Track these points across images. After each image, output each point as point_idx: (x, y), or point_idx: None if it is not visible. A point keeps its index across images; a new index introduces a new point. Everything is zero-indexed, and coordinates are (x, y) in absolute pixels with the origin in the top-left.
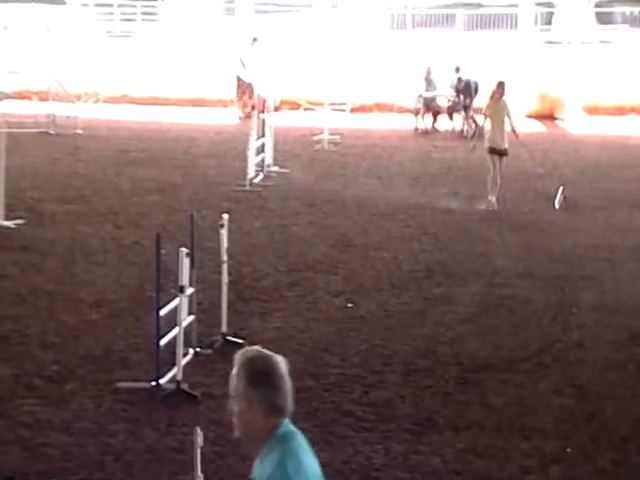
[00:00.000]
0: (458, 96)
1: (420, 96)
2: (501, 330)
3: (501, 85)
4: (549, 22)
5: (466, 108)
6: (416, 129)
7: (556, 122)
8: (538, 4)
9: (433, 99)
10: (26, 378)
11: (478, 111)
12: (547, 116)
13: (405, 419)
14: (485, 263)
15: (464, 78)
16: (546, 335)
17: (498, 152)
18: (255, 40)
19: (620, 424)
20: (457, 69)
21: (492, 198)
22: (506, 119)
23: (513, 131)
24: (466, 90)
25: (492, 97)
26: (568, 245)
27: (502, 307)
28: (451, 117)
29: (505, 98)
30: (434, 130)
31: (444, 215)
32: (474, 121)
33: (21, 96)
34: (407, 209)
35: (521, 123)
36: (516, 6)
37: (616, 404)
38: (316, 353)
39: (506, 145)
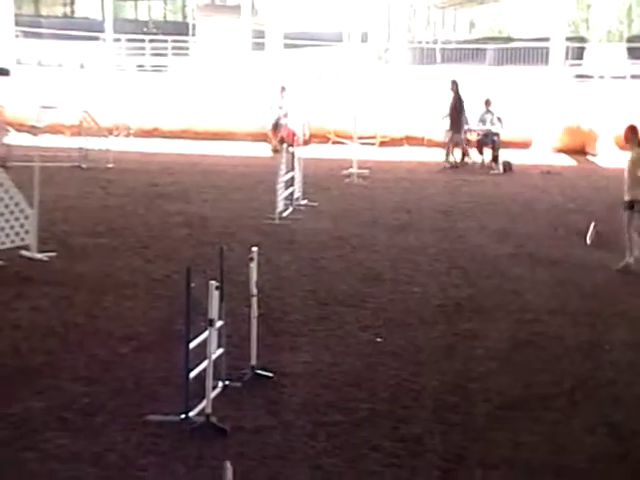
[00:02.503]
0: (452, 114)
1: (450, 130)
2: (532, 367)
3: (634, 130)
4: (580, 57)
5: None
6: (445, 162)
7: (587, 157)
8: (569, 39)
9: (463, 133)
10: (57, 411)
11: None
12: (578, 151)
13: (434, 455)
14: (515, 299)
15: (462, 94)
16: (578, 372)
17: (634, 205)
18: (283, 90)
19: None
20: (487, 102)
21: (630, 259)
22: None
23: None
24: (461, 106)
25: (630, 147)
26: (600, 281)
27: (533, 343)
28: (480, 151)
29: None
30: (463, 164)
31: (474, 249)
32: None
33: (54, 130)
34: (436, 243)
35: (551, 158)
36: (547, 40)
37: None
38: (345, 387)
39: None
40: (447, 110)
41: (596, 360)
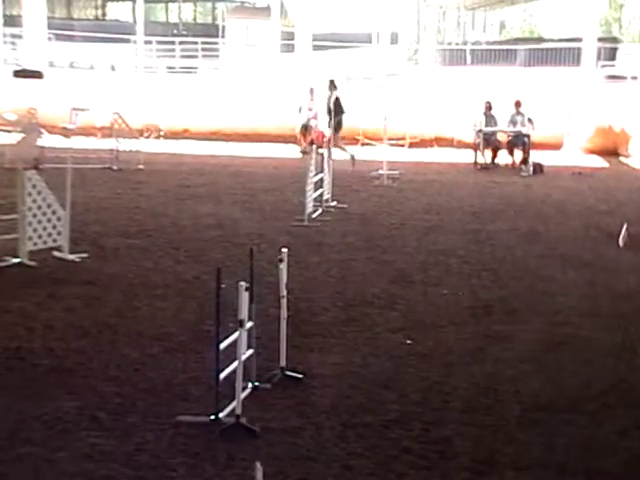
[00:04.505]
0: (329, 113)
1: (480, 131)
2: (563, 369)
3: None
4: (612, 57)
5: (336, 128)
6: (475, 164)
7: (619, 158)
8: (601, 39)
9: (493, 134)
10: (89, 410)
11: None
12: (611, 152)
13: (465, 457)
14: (546, 301)
15: (336, 93)
16: (611, 375)
17: None
18: (312, 91)
19: None
20: (517, 103)
21: None
22: None
23: None
24: (337, 106)
25: None
26: (633, 283)
27: (564, 346)
28: (511, 152)
29: None
30: (494, 165)
31: (504, 251)
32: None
33: (86, 132)
34: (466, 245)
35: (583, 159)
36: (579, 40)
37: None
38: (375, 389)
39: None
40: (327, 112)
41: (629, 363)
